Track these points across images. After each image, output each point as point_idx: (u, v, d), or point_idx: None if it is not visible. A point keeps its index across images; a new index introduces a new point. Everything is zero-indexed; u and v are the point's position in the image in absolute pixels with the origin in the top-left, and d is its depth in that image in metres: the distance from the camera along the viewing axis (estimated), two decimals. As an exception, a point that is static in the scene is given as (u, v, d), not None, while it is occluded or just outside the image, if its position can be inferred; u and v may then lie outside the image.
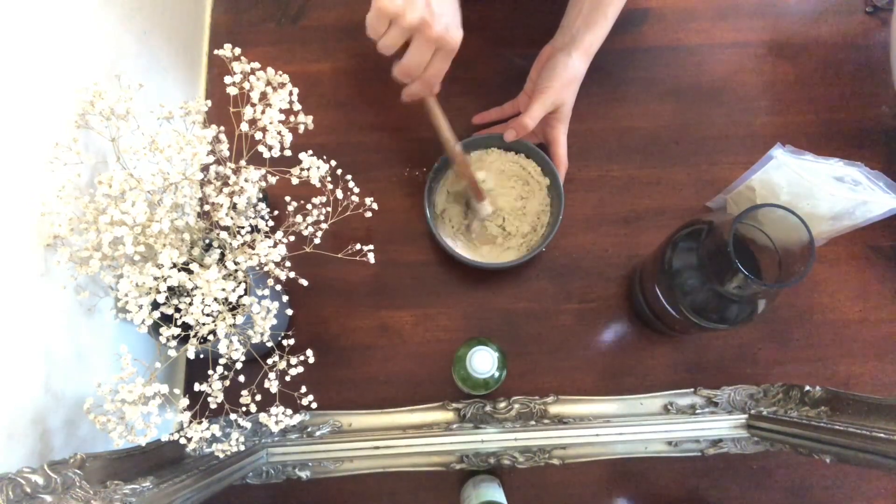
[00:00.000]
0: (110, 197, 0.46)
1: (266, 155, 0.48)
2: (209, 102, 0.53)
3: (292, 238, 0.51)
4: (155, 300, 0.48)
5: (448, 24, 0.54)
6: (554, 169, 0.68)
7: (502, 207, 0.71)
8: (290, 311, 0.60)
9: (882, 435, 0.49)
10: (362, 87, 0.78)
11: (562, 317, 0.71)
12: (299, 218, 0.52)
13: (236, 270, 0.50)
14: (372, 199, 0.54)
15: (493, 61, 0.79)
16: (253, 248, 0.49)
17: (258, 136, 0.48)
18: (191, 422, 0.49)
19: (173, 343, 0.48)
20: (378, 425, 0.66)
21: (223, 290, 0.47)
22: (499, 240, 0.71)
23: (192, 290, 0.47)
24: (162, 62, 0.69)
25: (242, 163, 0.49)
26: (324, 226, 0.53)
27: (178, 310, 0.49)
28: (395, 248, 0.72)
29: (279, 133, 0.48)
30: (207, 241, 0.55)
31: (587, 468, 0.66)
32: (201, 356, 0.51)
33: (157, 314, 0.47)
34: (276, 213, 0.57)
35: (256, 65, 0.48)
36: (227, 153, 0.51)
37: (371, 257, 0.54)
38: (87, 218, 0.47)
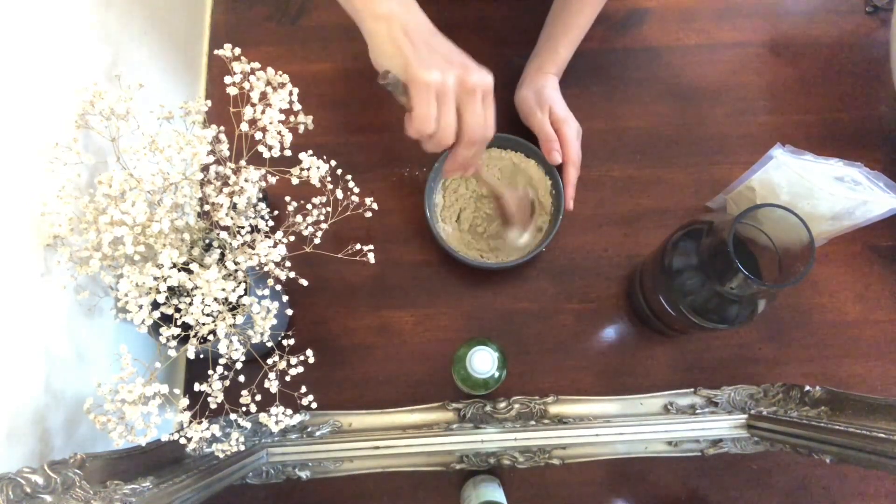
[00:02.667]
0: (110, 197, 0.46)
1: (266, 155, 0.48)
2: (209, 102, 0.53)
3: (292, 238, 0.51)
4: (155, 300, 0.48)
5: (475, 68, 0.51)
6: (554, 169, 0.68)
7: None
8: (290, 311, 0.60)
9: (882, 435, 0.49)
10: (362, 87, 0.78)
11: (562, 317, 0.71)
12: (299, 218, 0.52)
13: (236, 270, 0.50)
14: (372, 199, 0.54)
15: (493, 61, 0.79)
16: (253, 248, 0.49)
17: (258, 136, 0.48)
18: (191, 422, 0.49)
19: (173, 343, 0.48)
20: (378, 425, 0.66)
21: (223, 290, 0.47)
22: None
23: (192, 290, 0.47)
24: (162, 62, 0.69)
25: (242, 163, 0.49)
26: (324, 226, 0.53)
27: (178, 310, 0.49)
28: (395, 248, 0.72)
29: (279, 133, 0.48)
30: (207, 241, 0.55)
31: (587, 468, 0.66)
32: (201, 356, 0.51)
33: (157, 314, 0.47)
34: (276, 213, 0.57)
35: (256, 65, 0.48)
36: (227, 153, 0.51)
37: (371, 257, 0.54)
38: (87, 218, 0.47)
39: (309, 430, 0.65)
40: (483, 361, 0.57)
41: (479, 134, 0.52)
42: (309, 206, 0.53)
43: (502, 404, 0.66)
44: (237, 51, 0.49)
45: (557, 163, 0.67)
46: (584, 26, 0.70)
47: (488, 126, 0.53)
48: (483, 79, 0.51)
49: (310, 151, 0.50)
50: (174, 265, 0.46)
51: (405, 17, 0.48)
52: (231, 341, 0.49)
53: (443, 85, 0.48)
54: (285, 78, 0.49)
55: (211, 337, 0.50)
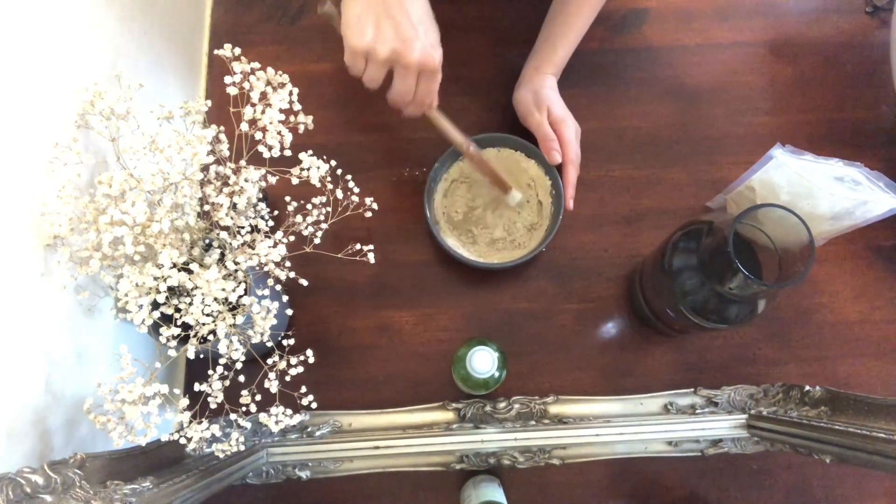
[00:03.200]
0: (110, 197, 0.46)
1: (266, 155, 0.48)
2: (209, 102, 0.53)
3: (292, 238, 0.51)
4: (155, 300, 0.48)
5: (423, 47, 0.53)
6: (554, 169, 0.68)
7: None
8: (290, 311, 0.60)
9: (882, 435, 0.49)
10: (362, 87, 0.78)
11: (562, 317, 0.71)
12: (299, 218, 0.52)
13: (236, 270, 0.50)
14: (372, 199, 0.54)
15: (493, 61, 0.79)
16: (253, 248, 0.49)
17: (258, 136, 0.48)
18: (191, 422, 0.49)
19: (173, 343, 0.48)
20: (378, 425, 0.66)
21: (223, 290, 0.47)
22: (500, 243, 0.71)
23: (192, 290, 0.47)
24: (162, 62, 0.69)
25: (242, 163, 0.49)
26: (324, 226, 0.53)
27: (178, 310, 0.49)
28: (395, 248, 0.72)
29: (279, 133, 0.48)
30: (207, 241, 0.55)
31: (587, 468, 0.66)
32: (201, 356, 0.51)
33: (157, 314, 0.47)
34: (276, 213, 0.57)
35: (256, 65, 0.48)
36: (227, 153, 0.51)
37: (371, 257, 0.54)
38: (87, 218, 0.47)
39: (309, 430, 0.65)
40: (483, 361, 0.57)
41: (403, 99, 0.57)
42: (309, 206, 0.53)
43: (502, 404, 0.66)
44: (237, 51, 0.49)
45: (557, 163, 0.67)
46: (583, 27, 0.70)
47: (418, 96, 0.57)
48: (423, 57, 0.54)
49: (310, 151, 0.50)
50: (174, 265, 0.46)
51: None
52: (231, 341, 0.49)
53: (371, 52, 0.52)
54: (285, 78, 0.49)
55: (211, 337, 0.50)
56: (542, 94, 0.69)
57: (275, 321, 0.51)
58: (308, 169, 0.50)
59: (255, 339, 0.50)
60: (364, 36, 0.52)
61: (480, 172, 0.69)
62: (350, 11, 0.52)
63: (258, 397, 0.51)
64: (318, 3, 0.56)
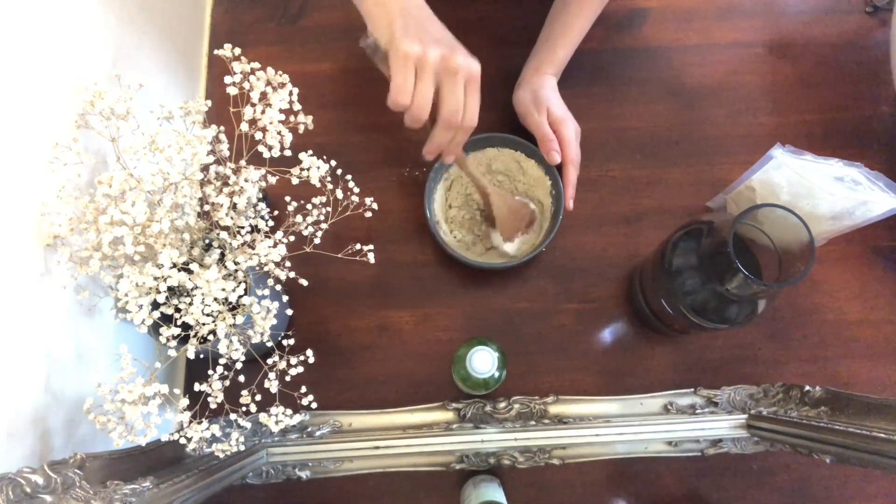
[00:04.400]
0: (110, 197, 0.46)
1: (266, 155, 0.48)
2: (209, 102, 0.53)
3: (292, 238, 0.51)
4: (155, 300, 0.48)
5: (463, 52, 0.53)
6: (554, 169, 0.68)
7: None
8: (290, 311, 0.60)
9: (882, 435, 0.49)
10: (362, 87, 0.78)
11: (562, 317, 0.71)
12: (299, 218, 0.52)
13: (236, 270, 0.50)
14: (372, 199, 0.54)
15: (493, 61, 0.79)
16: (253, 248, 0.49)
17: (258, 136, 0.48)
18: (191, 422, 0.49)
19: (173, 343, 0.48)
20: (378, 425, 0.66)
21: (223, 290, 0.47)
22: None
23: (192, 290, 0.47)
24: (162, 62, 0.69)
25: (242, 163, 0.49)
26: (324, 226, 0.53)
27: (178, 310, 0.49)
28: (395, 248, 0.72)
29: (279, 133, 0.48)
30: (207, 241, 0.55)
31: (587, 468, 0.66)
32: (201, 356, 0.51)
33: (157, 314, 0.47)
34: (276, 213, 0.57)
35: (256, 65, 0.48)
36: (227, 153, 0.51)
37: (371, 257, 0.54)
38: (87, 218, 0.47)
39: (309, 430, 0.65)
40: (483, 361, 0.57)
41: (455, 116, 0.54)
42: (309, 206, 0.53)
43: (502, 404, 0.66)
44: (237, 51, 0.49)
45: (556, 163, 0.67)
46: (584, 27, 0.70)
47: (469, 112, 0.55)
48: (468, 63, 0.53)
49: (310, 151, 0.50)
50: (174, 265, 0.46)
51: (408, 3, 0.52)
52: (231, 341, 0.49)
53: (422, 58, 0.50)
54: (285, 78, 0.49)
55: (211, 337, 0.50)
56: (541, 94, 0.69)
57: (275, 321, 0.51)
58: (308, 169, 0.50)
59: (255, 339, 0.50)
60: (415, 43, 0.50)
61: (507, 209, 0.68)
62: (395, 27, 0.51)
63: (258, 397, 0.51)
64: (361, 37, 0.55)
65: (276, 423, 0.52)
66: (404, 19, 0.51)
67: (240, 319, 0.50)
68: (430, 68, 0.51)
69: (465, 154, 0.70)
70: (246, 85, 0.48)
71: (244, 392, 0.51)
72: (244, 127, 0.47)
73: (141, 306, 0.46)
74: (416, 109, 0.52)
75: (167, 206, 0.47)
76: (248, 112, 0.47)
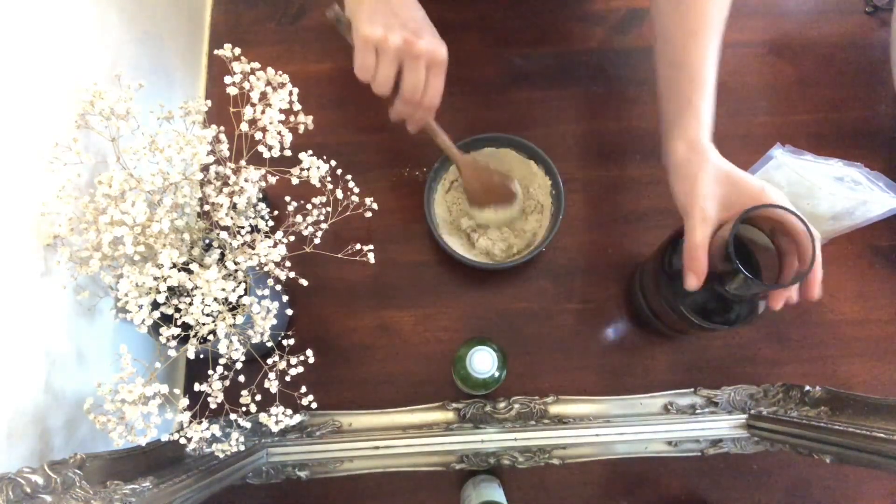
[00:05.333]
0: (110, 197, 0.46)
1: (266, 155, 0.48)
2: (209, 102, 0.53)
3: (292, 238, 0.51)
4: (155, 300, 0.48)
5: (430, 38, 0.55)
6: (554, 169, 0.68)
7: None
8: (290, 311, 0.60)
9: (882, 435, 0.49)
10: (362, 87, 0.77)
11: (562, 317, 0.71)
12: (299, 218, 0.52)
13: (236, 270, 0.50)
14: (372, 199, 0.54)
15: (493, 61, 0.79)
16: (253, 248, 0.49)
17: (258, 136, 0.48)
18: (191, 422, 0.49)
19: (173, 343, 0.48)
20: (378, 425, 0.66)
21: (223, 290, 0.47)
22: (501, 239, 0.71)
23: (192, 290, 0.47)
24: (162, 62, 0.69)
25: (242, 163, 0.49)
26: (324, 226, 0.53)
27: (178, 310, 0.49)
28: (395, 248, 0.72)
29: (279, 133, 0.48)
30: (207, 241, 0.55)
31: (587, 468, 0.66)
32: (201, 356, 0.51)
33: (157, 314, 0.47)
34: (276, 213, 0.57)
35: (256, 65, 0.48)
36: (227, 153, 0.51)
37: (371, 257, 0.54)
38: (87, 218, 0.47)
39: (309, 430, 0.65)
40: (483, 361, 0.57)
41: (414, 96, 0.57)
42: (309, 206, 0.53)
43: (502, 404, 0.66)
44: (237, 51, 0.49)
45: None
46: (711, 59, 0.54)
47: (429, 93, 0.57)
48: (432, 48, 0.55)
49: (310, 151, 0.50)
50: (174, 265, 0.46)
51: None
52: (231, 341, 0.49)
53: (383, 43, 0.53)
54: (285, 78, 0.49)
55: (211, 337, 0.50)
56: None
57: (275, 321, 0.51)
58: (308, 169, 0.50)
59: (255, 339, 0.50)
60: (375, 26, 0.53)
61: (479, 182, 0.68)
62: (360, 11, 0.54)
63: (258, 397, 0.51)
64: (326, 8, 0.58)
65: (276, 423, 0.52)
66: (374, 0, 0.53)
67: (240, 319, 0.50)
68: (391, 52, 0.54)
69: (467, 152, 0.71)
70: (246, 85, 0.48)
71: (244, 392, 0.51)
72: (244, 127, 0.47)
73: (141, 306, 0.46)
74: (378, 86, 0.56)
75: (167, 206, 0.47)
76: (248, 112, 0.47)
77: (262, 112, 0.48)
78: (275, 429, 0.52)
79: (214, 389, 0.49)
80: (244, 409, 0.50)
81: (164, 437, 0.49)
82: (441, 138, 0.65)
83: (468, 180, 0.67)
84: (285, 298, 0.65)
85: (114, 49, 0.59)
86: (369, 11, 0.54)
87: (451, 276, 0.72)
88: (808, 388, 0.62)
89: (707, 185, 0.50)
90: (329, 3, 0.59)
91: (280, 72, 0.49)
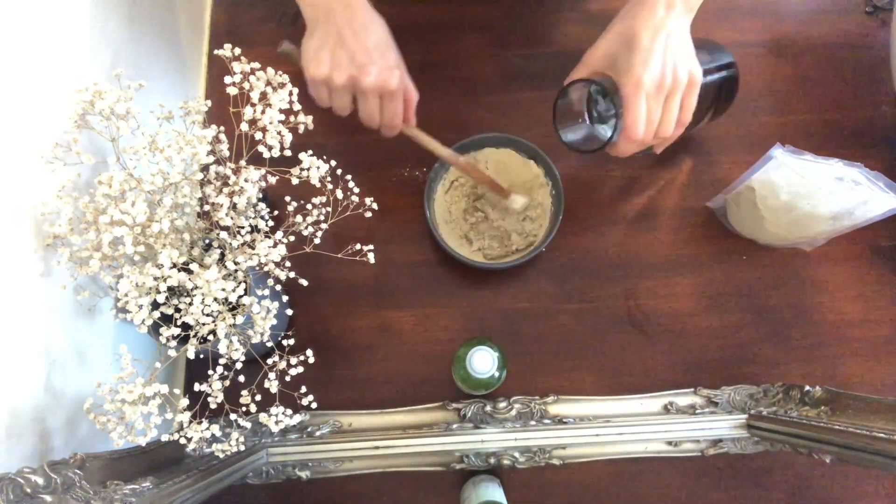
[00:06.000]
0: (110, 197, 0.46)
1: (266, 155, 0.48)
2: (209, 102, 0.53)
3: (292, 238, 0.51)
4: (155, 300, 0.48)
5: (378, 71, 0.56)
6: (554, 169, 0.68)
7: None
8: (290, 311, 0.60)
9: (882, 435, 0.49)
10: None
11: (562, 317, 0.71)
12: (299, 218, 0.52)
13: (236, 270, 0.50)
14: (372, 199, 0.54)
15: (493, 61, 0.79)
16: (253, 248, 0.49)
17: (258, 136, 0.48)
18: (191, 422, 0.49)
19: (173, 343, 0.48)
20: (378, 425, 0.66)
21: (223, 290, 0.47)
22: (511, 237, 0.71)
23: (192, 290, 0.47)
24: (162, 62, 0.69)
25: (242, 163, 0.49)
26: (324, 226, 0.53)
27: (178, 310, 0.49)
28: (395, 248, 0.72)
29: (279, 133, 0.48)
30: (207, 241, 0.55)
31: (587, 468, 0.66)
32: (201, 356, 0.51)
33: (157, 314, 0.47)
34: (276, 213, 0.57)
35: (256, 65, 0.48)
36: (227, 153, 0.51)
37: (371, 257, 0.54)
38: (87, 218, 0.47)
39: (309, 430, 0.65)
40: (483, 361, 0.57)
41: (370, 123, 0.60)
42: (309, 206, 0.53)
43: (502, 404, 0.66)
44: (237, 51, 0.49)
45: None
46: None
47: (385, 117, 0.60)
48: (380, 80, 0.56)
49: (310, 151, 0.50)
50: (174, 265, 0.46)
51: (337, 6, 0.55)
52: (231, 341, 0.49)
53: (329, 82, 0.56)
54: (285, 78, 0.49)
55: (211, 337, 0.50)
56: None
57: (275, 321, 0.51)
58: (308, 169, 0.50)
59: (255, 339, 0.50)
60: (321, 66, 0.56)
61: (476, 181, 0.69)
62: (309, 46, 0.57)
63: (258, 397, 0.51)
64: (278, 44, 0.62)
65: (276, 423, 0.52)
66: (325, 29, 0.55)
67: (240, 319, 0.50)
68: (339, 88, 0.56)
69: (466, 153, 0.71)
70: (246, 85, 0.48)
71: (244, 392, 0.51)
72: (244, 127, 0.47)
73: (141, 306, 0.46)
74: (337, 112, 0.60)
75: (167, 206, 0.47)
76: (248, 112, 0.47)
77: (262, 112, 0.48)
78: (275, 429, 0.52)
79: (214, 389, 0.49)
80: (244, 409, 0.50)
81: (164, 437, 0.49)
82: (431, 145, 0.66)
83: (480, 175, 0.68)
84: (285, 298, 0.65)
85: (114, 49, 0.58)
86: (317, 46, 0.56)
87: (451, 276, 0.72)
88: (808, 388, 0.62)
89: (608, 39, 0.57)
90: (280, 43, 0.63)
91: (280, 72, 0.49)
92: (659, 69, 0.54)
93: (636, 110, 0.54)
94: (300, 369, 0.52)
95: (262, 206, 0.53)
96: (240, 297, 0.49)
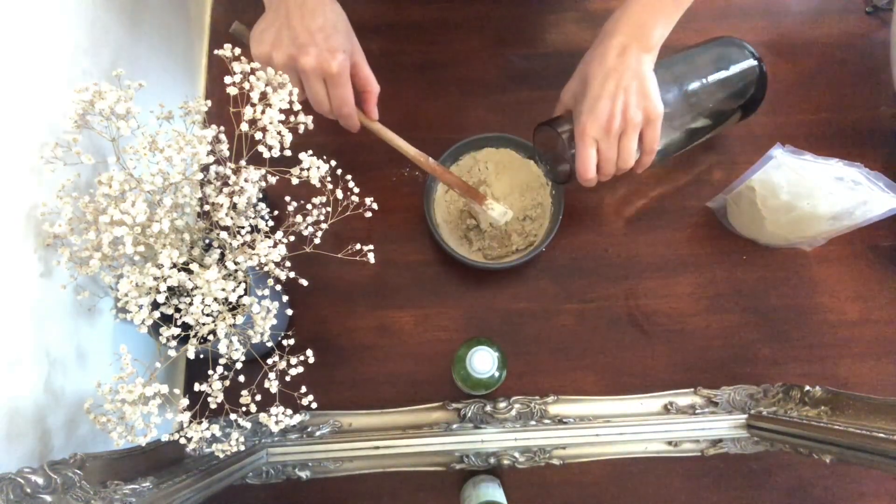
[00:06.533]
0: (110, 197, 0.46)
1: (266, 155, 0.48)
2: (209, 102, 0.53)
3: (292, 238, 0.51)
4: (155, 300, 0.48)
5: (318, 52, 0.55)
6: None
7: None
8: (290, 311, 0.60)
9: (882, 435, 0.49)
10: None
11: (562, 317, 0.71)
12: (299, 218, 0.52)
13: (236, 270, 0.50)
14: (372, 199, 0.54)
15: (493, 61, 0.79)
16: (253, 248, 0.49)
17: (258, 136, 0.48)
18: (191, 422, 0.49)
19: (173, 343, 0.48)
20: (378, 425, 0.66)
21: (223, 290, 0.47)
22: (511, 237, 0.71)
23: (192, 290, 0.47)
24: (162, 62, 0.69)
25: (242, 163, 0.49)
26: (324, 226, 0.53)
27: (178, 310, 0.49)
28: (395, 248, 0.72)
29: (279, 133, 0.48)
30: (207, 241, 0.55)
31: (587, 468, 0.66)
32: (201, 356, 0.51)
33: (157, 314, 0.47)
34: (276, 213, 0.57)
35: (256, 65, 0.48)
36: (227, 153, 0.51)
37: (371, 257, 0.54)
38: (87, 218, 0.47)
39: (309, 430, 0.65)
40: (483, 361, 0.57)
41: (320, 109, 0.60)
42: (309, 206, 0.53)
43: (502, 404, 0.66)
44: (237, 51, 0.49)
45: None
46: None
47: (334, 104, 0.59)
48: (317, 62, 0.56)
49: (310, 151, 0.50)
50: (174, 265, 0.46)
51: None
52: (231, 341, 0.49)
53: (269, 59, 0.56)
54: (285, 78, 0.49)
55: (211, 337, 0.50)
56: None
57: (275, 321, 0.51)
58: (308, 169, 0.50)
59: (255, 339, 0.50)
60: (262, 44, 0.56)
61: (447, 184, 0.67)
62: (257, 27, 0.57)
63: (258, 397, 0.51)
64: (230, 25, 0.64)
65: (276, 423, 0.52)
66: (275, 11, 0.56)
67: (240, 319, 0.50)
68: (280, 68, 0.56)
69: (466, 153, 0.71)
70: (246, 85, 0.48)
71: (244, 392, 0.51)
72: (244, 127, 0.47)
73: (141, 306, 0.46)
74: (315, 108, 0.59)
75: (167, 206, 0.47)
76: (248, 112, 0.47)
77: (262, 112, 0.48)
78: (275, 429, 0.52)
79: (214, 389, 0.49)
80: (244, 409, 0.50)
81: (164, 437, 0.49)
82: (396, 142, 0.65)
83: (450, 179, 0.66)
84: (285, 298, 0.65)
85: (114, 49, 0.59)
86: (264, 27, 0.56)
87: (451, 276, 0.72)
88: (808, 388, 0.62)
89: (574, 79, 0.62)
90: (232, 24, 0.64)
91: (280, 72, 0.49)
92: (606, 114, 0.57)
93: (582, 155, 0.59)
94: (300, 369, 0.52)
95: (262, 206, 0.53)
96: (240, 297, 0.49)
